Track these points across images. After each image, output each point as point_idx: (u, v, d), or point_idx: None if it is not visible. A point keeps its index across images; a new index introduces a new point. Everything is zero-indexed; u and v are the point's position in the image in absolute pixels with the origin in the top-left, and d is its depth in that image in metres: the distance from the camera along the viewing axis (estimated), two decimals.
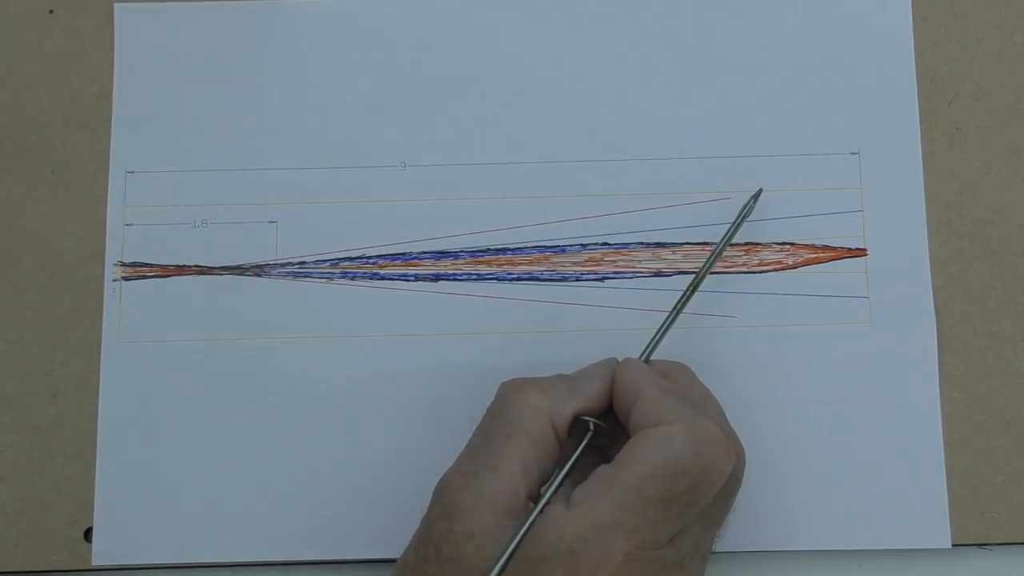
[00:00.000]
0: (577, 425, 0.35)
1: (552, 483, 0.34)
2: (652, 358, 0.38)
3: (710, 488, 0.34)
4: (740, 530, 0.41)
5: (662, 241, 0.43)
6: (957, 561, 0.41)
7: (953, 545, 0.41)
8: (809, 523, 0.41)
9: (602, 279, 0.43)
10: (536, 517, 0.33)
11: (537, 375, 0.37)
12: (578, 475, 0.35)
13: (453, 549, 0.33)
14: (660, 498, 0.33)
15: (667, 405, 0.34)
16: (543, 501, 0.33)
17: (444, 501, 0.33)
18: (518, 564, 0.32)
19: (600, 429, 0.35)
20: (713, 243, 0.43)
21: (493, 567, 0.32)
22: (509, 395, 0.35)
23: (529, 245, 0.43)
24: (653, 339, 0.39)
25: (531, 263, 0.43)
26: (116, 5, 0.45)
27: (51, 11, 0.45)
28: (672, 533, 0.33)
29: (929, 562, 0.41)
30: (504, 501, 0.33)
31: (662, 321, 0.39)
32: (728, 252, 0.43)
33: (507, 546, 0.32)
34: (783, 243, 0.43)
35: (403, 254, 0.43)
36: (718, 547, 0.41)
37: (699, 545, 0.35)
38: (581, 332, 0.42)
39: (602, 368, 0.37)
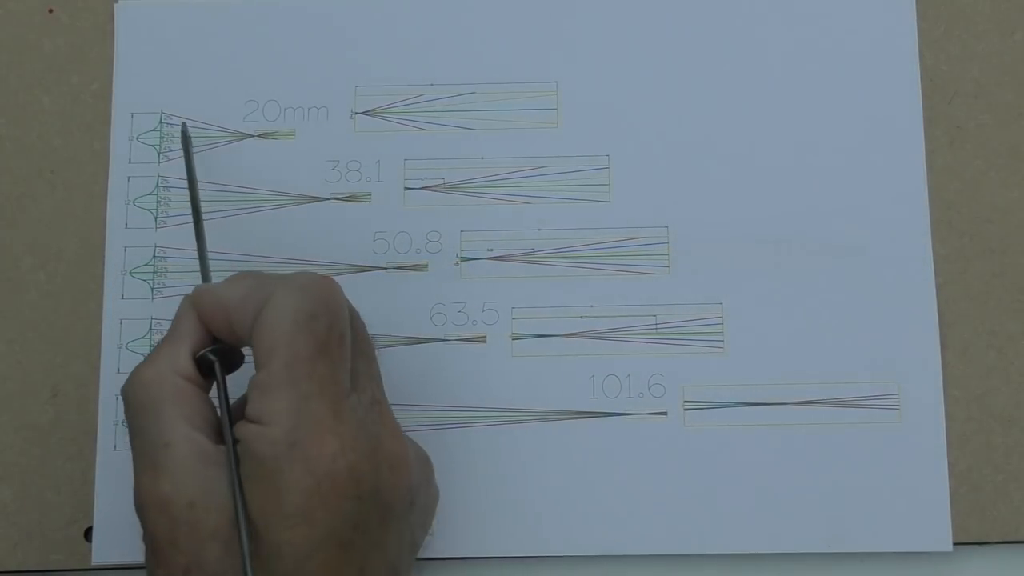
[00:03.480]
0: (204, 365, 0.35)
1: (224, 422, 0.34)
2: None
3: (342, 317, 0.34)
4: (740, 532, 0.41)
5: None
6: (957, 560, 0.41)
7: (954, 544, 0.41)
8: (809, 524, 0.41)
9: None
10: (236, 453, 0.33)
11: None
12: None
13: (187, 531, 0.32)
14: (316, 351, 0.33)
15: (256, 292, 0.34)
16: (229, 437, 0.34)
17: (151, 509, 0.33)
18: (259, 494, 0.32)
19: (221, 354, 0.35)
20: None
21: (235, 517, 0.32)
22: (129, 388, 0.35)
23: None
24: (201, 263, 0.39)
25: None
26: (116, 5, 0.45)
27: (51, 10, 0.45)
28: (347, 376, 0.34)
29: (930, 561, 0.41)
30: (197, 460, 0.33)
31: (197, 241, 0.39)
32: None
33: (233, 491, 0.32)
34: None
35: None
36: (718, 549, 0.41)
37: (373, 377, 0.36)
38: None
39: (184, 306, 0.36)
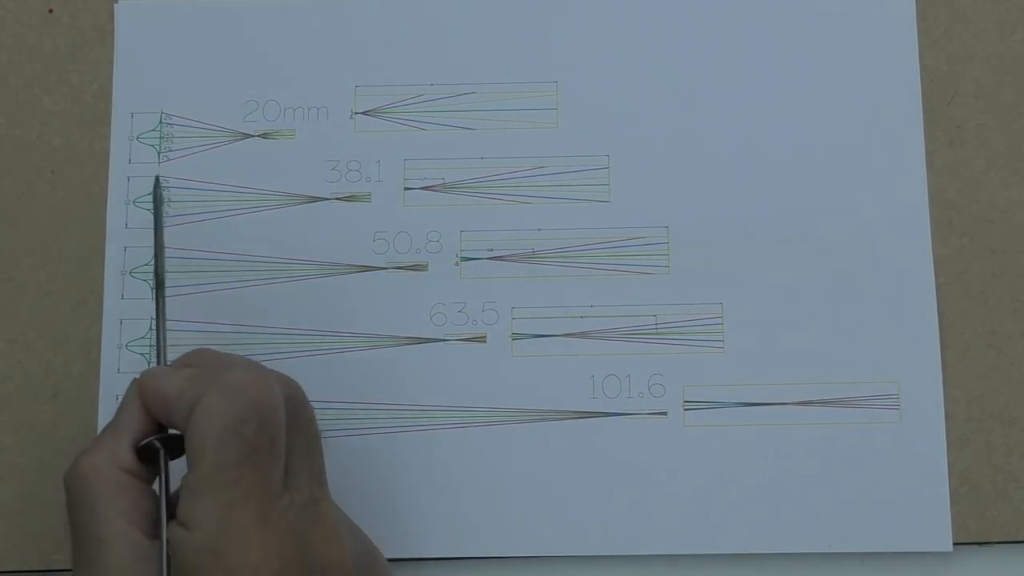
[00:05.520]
0: (150, 452, 0.35)
1: (162, 516, 0.34)
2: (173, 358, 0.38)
3: (274, 419, 0.33)
4: (740, 531, 0.41)
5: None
6: (957, 560, 0.41)
7: (954, 544, 0.41)
8: (809, 524, 0.41)
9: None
10: (167, 550, 0.33)
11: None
12: None
13: None
14: (243, 457, 0.32)
15: (192, 388, 0.34)
16: (163, 535, 0.33)
17: None
18: None
19: (168, 442, 0.35)
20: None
21: None
22: (68, 479, 0.34)
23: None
24: (158, 343, 0.38)
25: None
26: (116, 5, 0.45)
27: (51, 10, 0.45)
28: (279, 478, 0.33)
29: (930, 561, 0.41)
30: (130, 558, 0.33)
31: (156, 317, 0.38)
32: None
33: None
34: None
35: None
36: (718, 549, 0.41)
37: (313, 475, 0.35)
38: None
39: (130, 394, 0.36)
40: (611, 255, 0.43)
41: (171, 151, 0.44)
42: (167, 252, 0.42)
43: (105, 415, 0.42)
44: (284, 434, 0.34)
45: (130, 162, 0.44)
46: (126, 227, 0.44)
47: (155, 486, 0.35)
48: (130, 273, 0.43)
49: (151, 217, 0.44)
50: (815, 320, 0.42)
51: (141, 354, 0.43)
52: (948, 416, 0.42)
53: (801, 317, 0.42)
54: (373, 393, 0.42)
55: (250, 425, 0.33)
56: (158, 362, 0.38)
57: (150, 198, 0.44)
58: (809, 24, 0.44)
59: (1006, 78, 0.44)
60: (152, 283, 0.39)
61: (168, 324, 0.43)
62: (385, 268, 0.43)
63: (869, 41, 0.44)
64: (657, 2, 0.45)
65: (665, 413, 0.42)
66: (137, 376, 0.36)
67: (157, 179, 0.41)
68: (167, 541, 0.33)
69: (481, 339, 0.43)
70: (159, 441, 0.35)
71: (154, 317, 0.39)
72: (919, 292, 0.42)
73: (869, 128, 0.43)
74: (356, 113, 0.44)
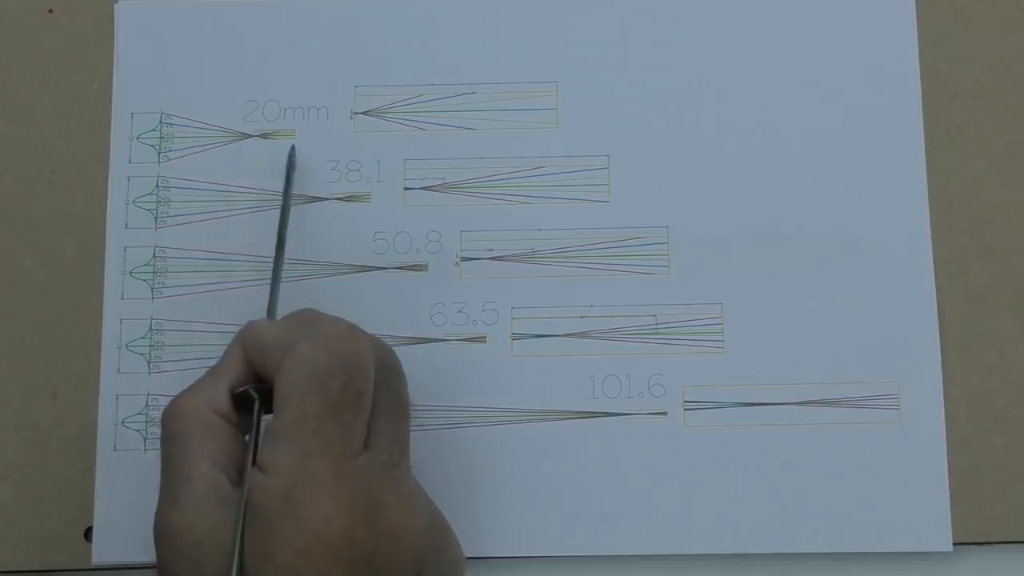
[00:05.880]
0: (244, 400, 0.35)
1: (248, 461, 0.34)
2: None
3: (362, 376, 0.34)
4: (740, 531, 0.41)
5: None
6: (957, 560, 0.41)
7: (954, 544, 0.41)
8: (809, 524, 0.41)
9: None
10: (248, 494, 0.33)
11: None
12: None
13: (190, 568, 0.33)
14: (325, 408, 0.33)
15: (287, 337, 0.34)
16: (246, 481, 0.33)
17: (162, 540, 0.33)
18: (254, 542, 0.32)
19: (263, 393, 0.35)
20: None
21: (231, 563, 0.32)
22: (164, 415, 0.35)
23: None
24: (271, 296, 0.39)
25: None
26: (116, 5, 0.45)
27: (51, 10, 0.45)
28: (361, 435, 0.34)
29: (930, 561, 0.41)
30: (212, 499, 0.33)
31: (272, 274, 0.40)
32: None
33: (234, 536, 0.32)
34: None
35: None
36: (718, 549, 0.41)
37: (397, 439, 0.35)
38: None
39: (234, 342, 0.36)
40: (611, 255, 0.43)
41: (171, 151, 0.44)
42: (168, 251, 0.42)
43: (105, 415, 0.42)
44: (371, 393, 0.34)
45: (130, 162, 0.44)
46: (126, 227, 0.44)
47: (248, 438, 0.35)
48: (130, 273, 0.43)
49: (151, 217, 0.44)
50: (815, 320, 0.42)
51: (141, 354, 0.43)
52: (948, 416, 0.42)
53: (801, 317, 0.42)
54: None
55: (337, 378, 0.33)
56: (268, 317, 0.39)
57: (151, 198, 0.44)
58: (809, 24, 0.44)
59: (1006, 78, 0.44)
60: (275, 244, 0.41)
61: (165, 324, 0.43)
62: (385, 268, 0.43)
63: (869, 41, 0.44)
64: (657, 2, 0.45)
65: (665, 413, 0.42)
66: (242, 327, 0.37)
67: (292, 148, 0.43)
68: (247, 482, 0.33)
69: (481, 339, 0.43)
70: (255, 391, 0.35)
71: (271, 283, 0.40)
72: (919, 292, 0.42)
73: (869, 128, 0.43)
74: (356, 113, 0.44)
